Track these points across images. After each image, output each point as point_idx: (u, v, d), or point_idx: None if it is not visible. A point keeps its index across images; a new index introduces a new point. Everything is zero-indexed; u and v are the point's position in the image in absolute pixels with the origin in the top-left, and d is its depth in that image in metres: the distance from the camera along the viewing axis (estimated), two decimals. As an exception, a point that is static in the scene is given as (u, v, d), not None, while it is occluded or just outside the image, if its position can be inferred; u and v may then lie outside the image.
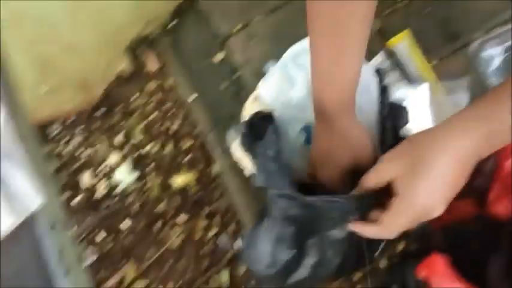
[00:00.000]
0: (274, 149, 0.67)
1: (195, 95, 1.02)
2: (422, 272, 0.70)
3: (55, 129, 1.18)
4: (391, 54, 0.92)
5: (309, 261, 0.72)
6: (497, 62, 0.89)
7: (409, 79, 0.91)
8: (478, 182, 0.77)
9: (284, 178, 0.65)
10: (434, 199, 0.55)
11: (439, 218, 0.80)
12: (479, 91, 0.90)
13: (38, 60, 0.98)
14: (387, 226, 0.58)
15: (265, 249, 0.71)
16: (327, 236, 0.69)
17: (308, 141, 0.78)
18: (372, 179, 0.60)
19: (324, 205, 0.63)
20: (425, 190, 0.54)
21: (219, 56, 1.03)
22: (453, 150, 0.53)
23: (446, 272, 0.68)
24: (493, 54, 0.90)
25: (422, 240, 0.83)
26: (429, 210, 0.56)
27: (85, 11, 0.96)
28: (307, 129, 0.79)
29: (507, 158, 0.76)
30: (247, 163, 0.91)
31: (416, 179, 0.54)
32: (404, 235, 0.84)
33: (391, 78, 0.91)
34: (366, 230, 0.62)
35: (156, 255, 1.07)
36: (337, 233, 0.69)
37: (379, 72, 0.90)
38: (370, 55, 0.92)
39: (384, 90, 0.76)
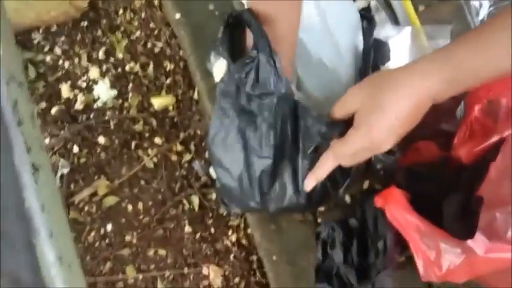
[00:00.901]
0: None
1: (179, 15, 1.01)
2: (379, 201, 0.73)
3: (37, 37, 1.16)
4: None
5: (282, 187, 0.74)
6: (484, 12, 0.90)
7: (395, 21, 0.91)
8: (446, 126, 0.80)
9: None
10: (385, 134, 0.57)
11: (403, 158, 0.83)
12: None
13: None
14: (337, 153, 0.61)
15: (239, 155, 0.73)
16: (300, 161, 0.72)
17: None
18: (338, 110, 0.63)
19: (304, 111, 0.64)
20: (379, 124, 0.56)
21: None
22: (411, 89, 0.55)
23: (401, 203, 0.71)
24: (483, 4, 0.90)
25: (386, 179, 0.85)
26: (379, 144, 0.58)
27: None
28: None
29: (476, 103, 0.78)
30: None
31: (372, 113, 0.56)
32: (369, 174, 0.87)
33: (377, 17, 0.91)
34: (323, 156, 0.65)
35: (129, 174, 1.09)
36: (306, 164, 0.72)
37: (367, 9, 0.90)
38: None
39: (369, 25, 0.77)
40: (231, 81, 0.72)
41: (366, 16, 0.78)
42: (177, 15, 1.00)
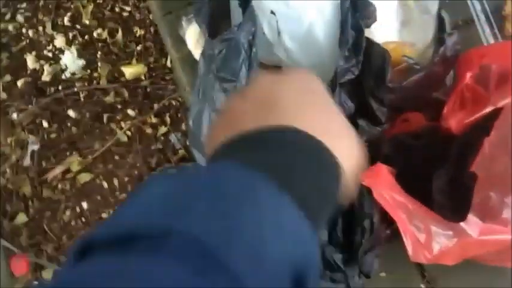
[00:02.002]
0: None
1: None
2: (365, 180, 0.68)
3: (-6, 4, 1.07)
4: None
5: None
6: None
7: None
8: (436, 94, 0.74)
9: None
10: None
11: (390, 129, 0.78)
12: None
13: None
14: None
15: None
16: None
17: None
18: None
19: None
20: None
21: None
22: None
23: (388, 181, 0.66)
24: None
25: (372, 151, 0.81)
26: None
27: None
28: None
29: (467, 70, 0.72)
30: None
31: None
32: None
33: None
34: None
35: (103, 149, 1.03)
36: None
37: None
38: None
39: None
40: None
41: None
42: (145, -24, 0.92)
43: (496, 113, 0.63)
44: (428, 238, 0.58)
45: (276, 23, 0.72)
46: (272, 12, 0.70)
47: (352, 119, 0.72)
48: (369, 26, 0.76)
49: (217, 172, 0.30)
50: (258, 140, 0.33)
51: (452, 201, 0.69)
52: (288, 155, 0.33)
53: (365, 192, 0.70)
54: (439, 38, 0.73)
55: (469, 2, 0.82)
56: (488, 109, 0.65)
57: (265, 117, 0.36)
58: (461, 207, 0.58)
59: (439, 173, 0.70)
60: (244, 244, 0.25)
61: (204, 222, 0.26)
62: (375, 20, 0.76)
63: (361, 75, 0.67)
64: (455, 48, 0.73)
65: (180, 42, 0.89)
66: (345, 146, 0.38)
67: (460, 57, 0.76)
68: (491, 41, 0.81)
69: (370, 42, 0.68)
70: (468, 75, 0.72)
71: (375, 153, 0.80)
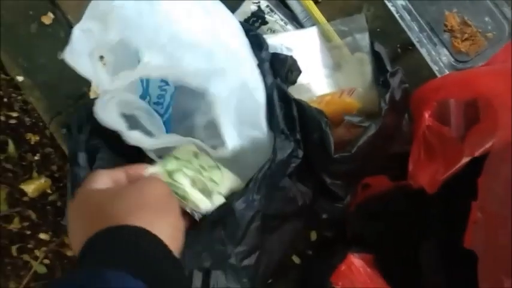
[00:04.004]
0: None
1: (22, 77, 0.76)
2: (339, 282, 0.53)
3: None
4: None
5: None
6: (398, -14, 0.71)
7: (296, 21, 0.71)
8: (394, 149, 0.61)
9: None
10: None
11: (353, 200, 0.64)
12: (381, 26, 0.72)
13: None
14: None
15: None
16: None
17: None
18: None
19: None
20: None
21: (49, 16, 0.77)
22: None
23: (368, 278, 0.52)
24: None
25: (337, 226, 0.66)
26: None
27: None
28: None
29: (423, 110, 0.60)
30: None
31: None
32: (315, 224, 0.68)
33: (272, 21, 0.71)
34: None
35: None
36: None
37: (257, 13, 0.70)
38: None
39: (258, 42, 0.56)
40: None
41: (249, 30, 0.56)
42: (20, 78, 0.76)
43: (475, 164, 0.50)
44: None
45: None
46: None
47: (312, 202, 0.58)
48: (294, 82, 0.63)
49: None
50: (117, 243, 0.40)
51: (443, 275, 0.55)
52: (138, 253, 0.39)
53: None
54: (382, 81, 0.60)
55: (402, 24, 0.71)
56: (464, 160, 0.51)
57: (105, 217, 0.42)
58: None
59: (424, 248, 0.56)
60: None
61: None
62: (298, 72, 0.63)
63: (304, 152, 0.53)
64: (402, 88, 0.60)
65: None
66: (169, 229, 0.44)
67: (413, 95, 0.64)
68: (441, 63, 0.69)
69: (301, 108, 0.54)
70: (426, 115, 0.59)
71: (342, 233, 0.66)
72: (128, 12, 0.44)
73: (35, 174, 0.85)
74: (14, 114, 0.87)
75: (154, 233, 0.40)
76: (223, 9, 0.54)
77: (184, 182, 0.51)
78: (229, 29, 0.51)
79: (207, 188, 0.52)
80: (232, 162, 0.51)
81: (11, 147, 0.86)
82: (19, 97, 0.85)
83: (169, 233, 0.43)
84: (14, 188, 0.85)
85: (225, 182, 0.53)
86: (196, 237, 0.50)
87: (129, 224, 0.40)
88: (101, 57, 0.50)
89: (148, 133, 0.55)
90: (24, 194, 0.85)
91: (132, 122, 0.54)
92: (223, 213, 0.50)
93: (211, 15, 0.49)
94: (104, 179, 0.47)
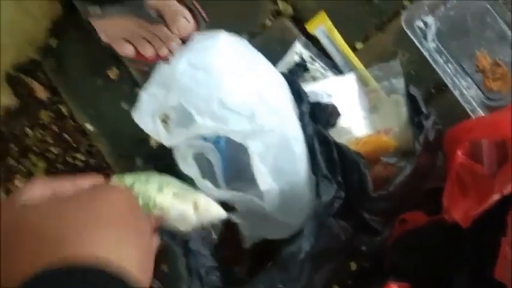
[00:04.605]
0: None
1: (91, 125, 0.85)
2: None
3: None
4: (307, 44, 0.77)
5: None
6: (432, 32, 0.76)
7: (336, 68, 0.78)
8: (429, 185, 0.65)
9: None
10: None
11: (391, 234, 0.68)
12: (415, 69, 0.77)
13: None
14: None
15: None
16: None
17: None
18: None
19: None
20: None
21: (114, 71, 0.86)
22: None
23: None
24: (428, 22, 0.77)
25: (375, 257, 0.70)
26: None
27: None
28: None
29: (456, 148, 0.64)
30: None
31: None
32: (357, 255, 0.72)
33: (314, 69, 0.77)
34: None
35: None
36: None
37: (301, 63, 0.76)
38: (285, 47, 0.77)
39: (299, 95, 0.62)
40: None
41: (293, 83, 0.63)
42: (88, 125, 0.85)
43: (505, 201, 0.54)
44: None
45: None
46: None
47: (353, 236, 0.63)
48: (334, 126, 0.69)
49: None
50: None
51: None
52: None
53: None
54: (416, 123, 0.65)
55: (435, 66, 0.75)
56: (495, 197, 0.55)
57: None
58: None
59: (460, 278, 0.59)
60: None
61: None
62: (338, 116, 0.69)
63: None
64: (435, 129, 0.65)
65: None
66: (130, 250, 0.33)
67: (446, 134, 0.68)
68: (474, 102, 0.73)
69: (341, 150, 0.59)
70: (459, 153, 0.63)
71: (380, 264, 0.70)
72: (186, 81, 0.52)
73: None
74: (80, 156, 0.96)
75: (119, 262, 0.30)
76: (267, 66, 0.61)
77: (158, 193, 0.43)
78: (272, 86, 0.58)
79: (190, 200, 0.44)
80: (276, 209, 0.56)
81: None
82: (85, 140, 0.95)
83: (138, 258, 0.32)
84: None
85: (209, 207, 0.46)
86: (257, 278, 0.55)
87: (79, 262, 0.28)
88: (165, 115, 0.57)
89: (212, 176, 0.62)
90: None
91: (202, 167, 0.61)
92: (282, 257, 0.55)
93: (256, 74, 0.56)
94: (40, 190, 0.35)
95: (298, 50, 0.77)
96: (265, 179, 0.53)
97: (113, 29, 0.78)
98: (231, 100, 0.52)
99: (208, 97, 0.52)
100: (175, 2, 0.79)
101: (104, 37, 0.80)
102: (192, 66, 0.54)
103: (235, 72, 0.54)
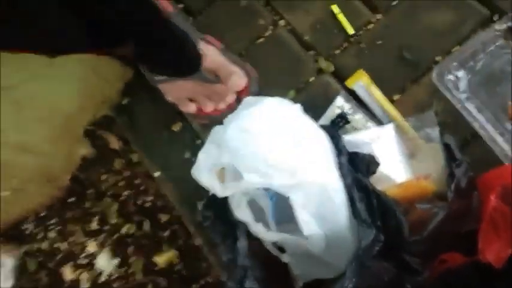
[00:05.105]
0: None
1: (159, 172, 0.97)
2: None
3: (28, 227, 1.13)
4: (348, 98, 0.86)
5: None
6: (464, 83, 0.83)
7: (375, 119, 0.85)
8: (467, 227, 0.71)
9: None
10: None
11: (432, 273, 0.74)
12: (451, 118, 0.84)
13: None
14: None
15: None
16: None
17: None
18: None
19: None
20: None
21: (178, 125, 0.98)
22: None
23: None
24: (459, 76, 0.83)
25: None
26: None
27: (29, 109, 0.92)
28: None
29: (489, 192, 0.69)
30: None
31: None
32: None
33: (355, 120, 0.85)
34: None
35: None
36: None
37: (342, 115, 0.84)
38: (328, 101, 0.86)
39: (338, 148, 0.70)
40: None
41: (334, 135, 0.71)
42: (156, 173, 0.96)
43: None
44: None
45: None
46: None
47: (396, 275, 0.68)
48: (374, 173, 0.76)
49: None
50: None
51: None
52: None
53: None
54: (450, 171, 0.71)
55: (467, 116, 0.81)
56: (524, 240, 0.60)
57: None
58: None
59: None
60: None
61: None
62: (377, 165, 0.75)
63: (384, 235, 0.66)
64: (467, 176, 0.71)
65: (202, 226, 0.90)
66: None
67: (480, 180, 0.74)
68: (505, 149, 0.78)
69: (379, 198, 0.66)
70: (492, 197, 0.69)
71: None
72: (235, 143, 0.62)
73: (165, 246, 1.04)
74: (149, 199, 1.08)
75: None
76: (309, 123, 0.69)
77: None
78: (312, 141, 0.66)
79: None
80: (321, 251, 0.64)
81: (147, 226, 1.07)
82: (153, 184, 1.06)
83: None
84: (148, 259, 1.04)
85: None
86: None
87: None
88: (220, 170, 0.67)
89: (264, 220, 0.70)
90: (155, 264, 1.04)
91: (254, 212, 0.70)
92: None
93: (298, 133, 0.65)
94: None
95: (340, 104, 0.85)
96: (309, 226, 0.61)
97: (176, 91, 0.90)
98: (273, 158, 0.61)
99: (254, 156, 0.61)
100: (228, 63, 0.91)
101: (169, 97, 0.92)
102: (240, 130, 0.64)
103: (278, 133, 0.63)
